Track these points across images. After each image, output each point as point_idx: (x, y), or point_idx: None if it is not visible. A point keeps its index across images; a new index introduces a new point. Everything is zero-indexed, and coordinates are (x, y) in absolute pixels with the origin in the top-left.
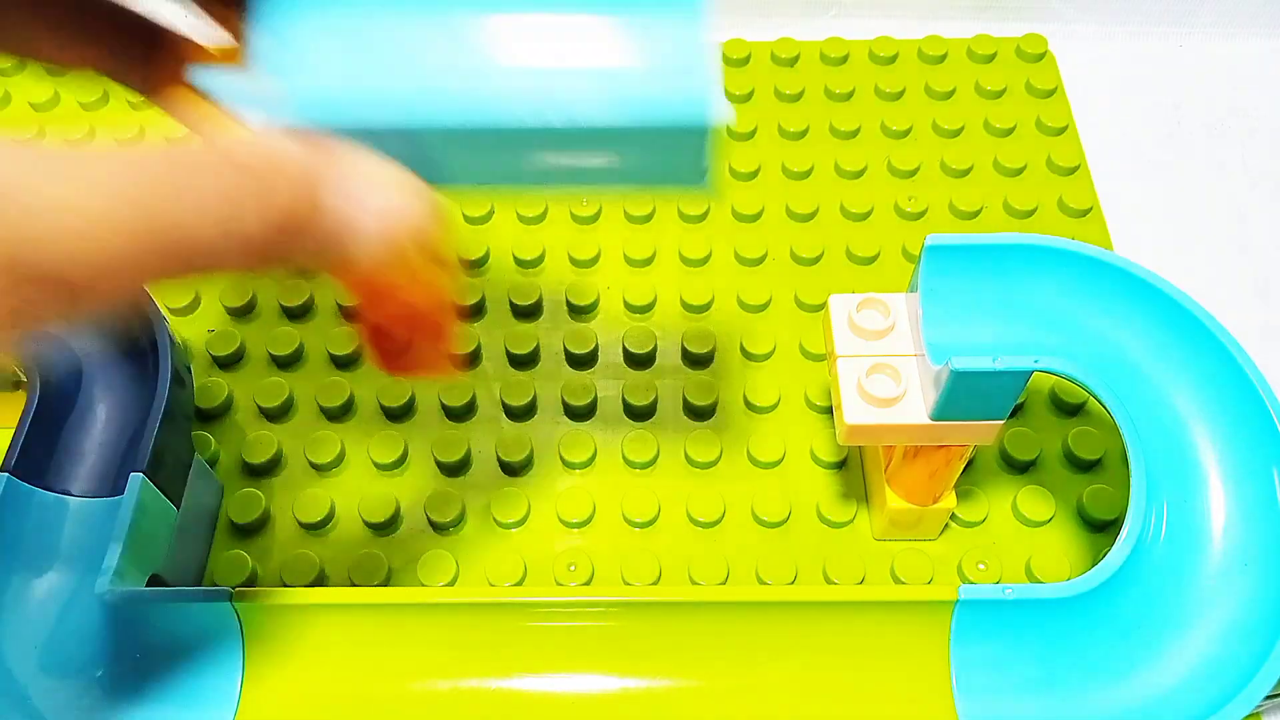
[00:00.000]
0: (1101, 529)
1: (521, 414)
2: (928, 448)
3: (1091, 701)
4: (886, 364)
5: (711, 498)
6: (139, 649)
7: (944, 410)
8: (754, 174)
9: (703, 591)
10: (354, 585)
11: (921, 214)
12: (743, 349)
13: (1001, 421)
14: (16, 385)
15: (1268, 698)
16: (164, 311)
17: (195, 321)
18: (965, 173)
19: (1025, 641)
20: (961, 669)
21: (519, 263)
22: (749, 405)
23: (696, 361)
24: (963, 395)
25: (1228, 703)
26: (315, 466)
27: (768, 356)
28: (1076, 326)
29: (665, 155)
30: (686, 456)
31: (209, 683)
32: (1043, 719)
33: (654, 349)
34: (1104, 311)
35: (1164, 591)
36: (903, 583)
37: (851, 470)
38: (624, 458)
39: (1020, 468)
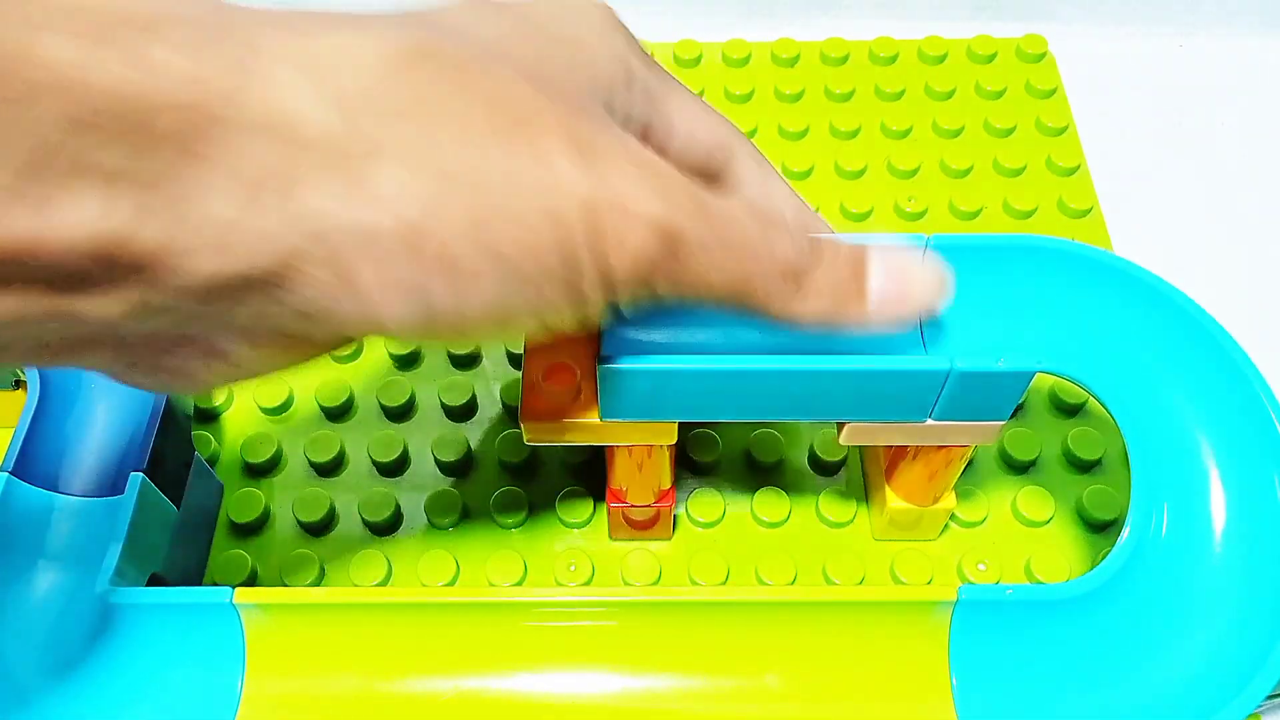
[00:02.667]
0: (1101, 529)
1: None
2: (928, 448)
3: (1091, 702)
4: None
5: (711, 498)
6: (139, 648)
7: (945, 410)
8: None
9: (702, 591)
10: (355, 586)
11: (921, 214)
12: None
13: (1003, 422)
14: (17, 385)
15: (1268, 698)
16: None
17: None
18: (965, 173)
19: (1025, 642)
20: (961, 669)
21: None
22: None
23: None
24: (965, 396)
25: (1228, 703)
26: (315, 466)
27: None
28: (1078, 327)
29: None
30: (687, 458)
31: (210, 681)
32: None
33: None
34: (1105, 312)
35: (1165, 592)
36: (903, 582)
37: (851, 470)
38: None
39: (1020, 468)
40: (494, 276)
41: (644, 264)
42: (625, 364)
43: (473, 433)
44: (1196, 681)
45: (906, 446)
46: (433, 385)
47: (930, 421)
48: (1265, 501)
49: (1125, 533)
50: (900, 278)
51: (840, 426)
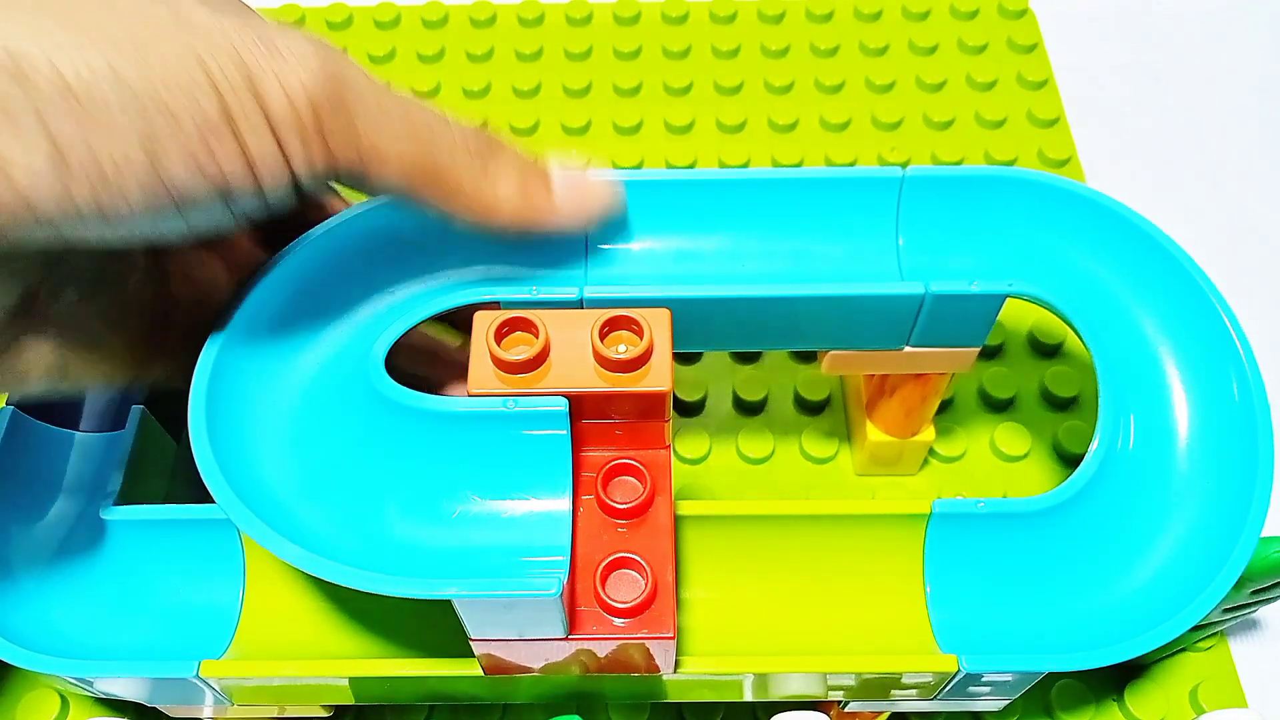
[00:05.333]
0: (1076, 462)
1: None
2: (905, 383)
3: (1061, 609)
4: None
5: (697, 436)
6: (143, 567)
7: (922, 336)
8: (740, 127)
9: (688, 506)
10: None
11: (904, 165)
12: None
13: (978, 349)
14: None
15: (1230, 612)
16: None
17: None
18: (947, 125)
19: (996, 552)
20: (935, 581)
21: None
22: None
23: None
24: (940, 320)
25: (1192, 600)
26: None
27: None
28: (1046, 252)
29: None
30: (675, 399)
31: (211, 597)
32: (1014, 627)
33: None
34: (1071, 237)
35: (1133, 500)
36: None
37: (834, 411)
38: None
39: (998, 406)
40: (120, 102)
41: (304, 103)
42: (607, 291)
43: None
44: (1163, 582)
45: (885, 382)
46: None
47: (908, 349)
48: (1225, 411)
49: (1095, 443)
50: (578, 181)
51: (822, 358)
